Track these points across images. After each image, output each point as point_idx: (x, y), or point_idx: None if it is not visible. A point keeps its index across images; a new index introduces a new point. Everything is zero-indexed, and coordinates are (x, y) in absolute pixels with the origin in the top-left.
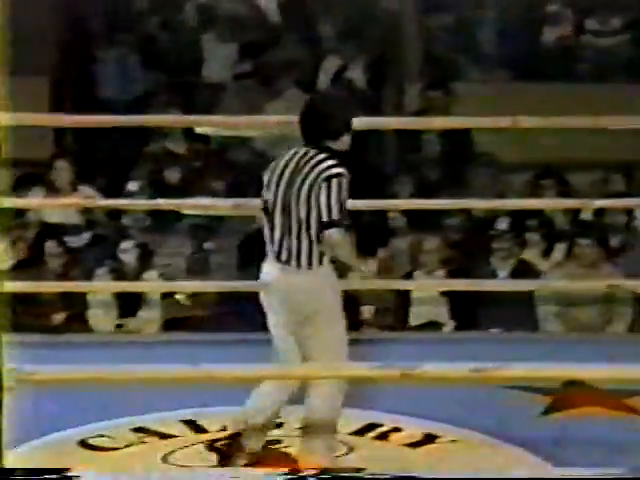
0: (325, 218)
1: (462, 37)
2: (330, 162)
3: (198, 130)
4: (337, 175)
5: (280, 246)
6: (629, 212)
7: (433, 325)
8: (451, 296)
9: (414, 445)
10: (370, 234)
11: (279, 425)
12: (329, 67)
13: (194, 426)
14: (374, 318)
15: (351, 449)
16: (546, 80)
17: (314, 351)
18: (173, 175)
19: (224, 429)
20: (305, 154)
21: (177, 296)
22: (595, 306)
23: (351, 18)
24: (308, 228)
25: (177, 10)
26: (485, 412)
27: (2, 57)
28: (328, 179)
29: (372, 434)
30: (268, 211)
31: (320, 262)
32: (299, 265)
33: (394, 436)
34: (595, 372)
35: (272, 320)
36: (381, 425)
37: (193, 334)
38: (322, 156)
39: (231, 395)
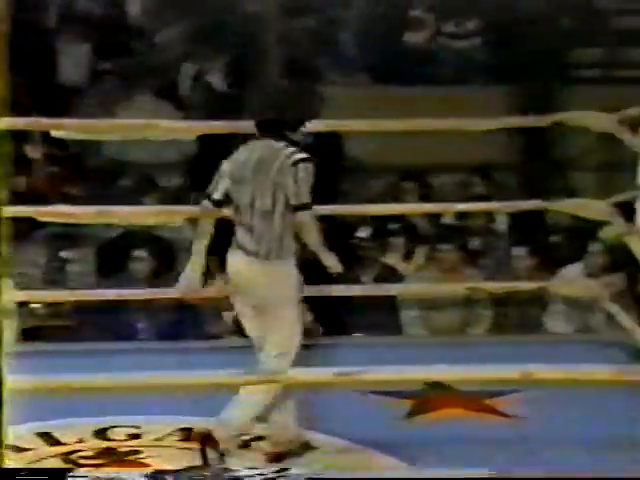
0: (295, 201)
1: (324, 40)
2: (293, 149)
3: (53, 134)
4: (304, 160)
5: (247, 236)
6: (489, 214)
7: None
8: (314, 302)
9: (278, 456)
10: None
11: None
12: (188, 71)
13: (49, 438)
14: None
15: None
16: (406, 83)
17: (269, 341)
18: (21, 181)
19: (80, 441)
20: (266, 145)
21: (33, 305)
22: (456, 309)
23: (209, 21)
24: (273, 219)
25: (33, 10)
26: (348, 417)
27: None
28: (295, 164)
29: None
30: (230, 203)
31: (285, 255)
32: (266, 257)
33: (256, 444)
34: (456, 374)
35: (241, 310)
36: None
37: (50, 344)
38: (284, 144)
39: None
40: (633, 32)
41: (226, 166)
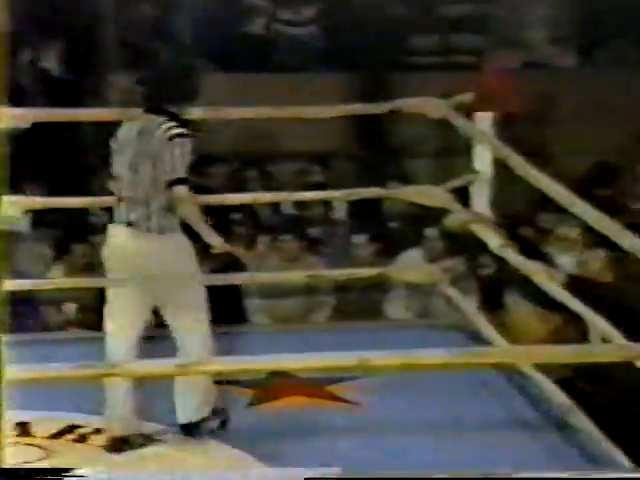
0: (171, 176)
1: (162, 27)
2: (174, 123)
3: None
4: (181, 135)
5: (131, 210)
6: (328, 203)
7: None
8: None
9: (116, 447)
10: (67, 231)
11: None
12: (23, 57)
13: None
14: (77, 316)
15: (49, 453)
16: (245, 70)
17: (178, 317)
18: None
19: None
20: (148, 118)
21: None
22: (298, 297)
23: (44, 7)
24: (157, 191)
25: None
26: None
27: None
28: (172, 138)
29: (71, 436)
30: (116, 176)
31: (172, 227)
32: (151, 229)
33: (94, 438)
34: (298, 361)
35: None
36: (81, 427)
37: None
38: (165, 118)
39: None
40: (465, 19)
41: (112, 141)
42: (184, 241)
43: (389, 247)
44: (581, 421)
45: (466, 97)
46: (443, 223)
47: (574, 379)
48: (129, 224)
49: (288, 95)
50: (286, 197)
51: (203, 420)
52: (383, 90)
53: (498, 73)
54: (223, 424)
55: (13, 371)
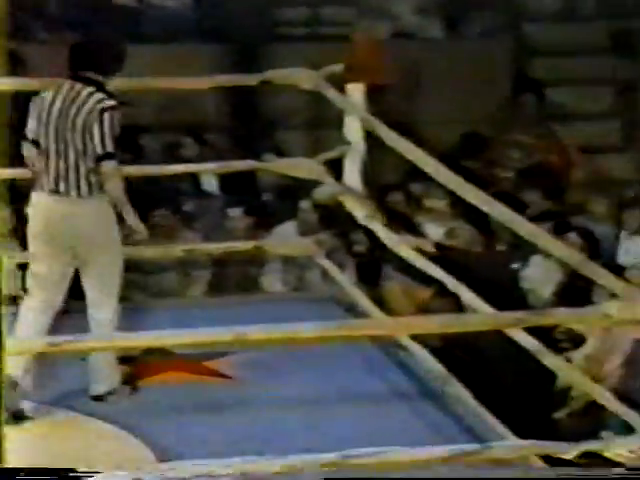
0: (100, 151)
1: None
2: (103, 94)
3: None
4: (111, 108)
5: (57, 177)
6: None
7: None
8: None
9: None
10: None
11: None
12: None
13: None
14: None
15: None
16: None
17: (92, 282)
18: None
19: None
20: (75, 86)
21: None
22: (173, 272)
23: None
24: (86, 158)
25: None
26: (69, 386)
27: None
28: (102, 111)
29: None
30: (39, 143)
31: (97, 191)
32: (79, 194)
33: None
34: (174, 338)
35: (39, 250)
36: None
37: None
38: (93, 88)
39: None
40: None
41: (32, 106)
42: (108, 207)
43: (264, 220)
44: (459, 392)
45: (336, 68)
46: (313, 196)
47: (450, 349)
48: (55, 192)
49: (159, 66)
50: (158, 170)
51: (112, 392)
52: (255, 62)
53: (367, 44)
54: (133, 392)
55: None
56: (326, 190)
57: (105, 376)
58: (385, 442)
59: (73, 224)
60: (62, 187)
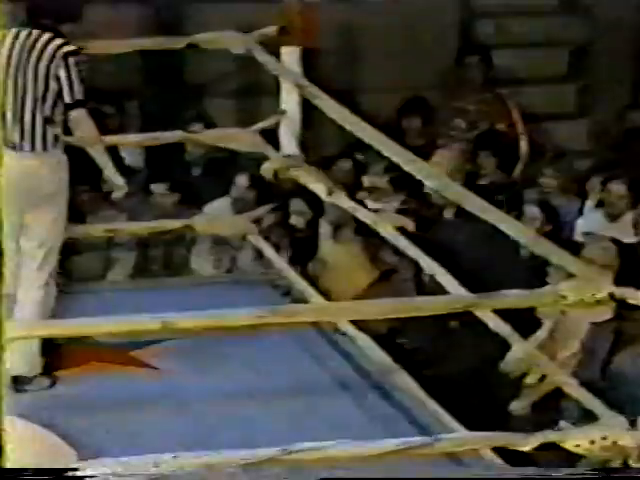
0: (69, 99)
1: None
2: (63, 40)
3: None
4: (75, 52)
5: (12, 128)
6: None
7: None
8: None
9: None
10: None
11: None
12: None
13: None
14: None
15: None
16: None
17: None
18: None
19: None
20: (32, 33)
21: None
22: (95, 253)
23: None
24: (44, 108)
25: None
26: None
27: None
28: (66, 56)
29: None
30: None
31: (55, 145)
32: (33, 148)
33: None
34: (96, 325)
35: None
36: None
37: None
38: (52, 35)
39: None
40: None
41: None
42: (64, 159)
43: (192, 197)
44: (405, 382)
45: (269, 30)
46: (260, 171)
47: (394, 335)
48: (12, 147)
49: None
50: (75, 142)
51: (33, 377)
52: (180, 24)
53: (301, 5)
54: (53, 384)
55: None
56: (275, 164)
57: (28, 359)
58: (326, 437)
59: (25, 179)
60: (17, 139)
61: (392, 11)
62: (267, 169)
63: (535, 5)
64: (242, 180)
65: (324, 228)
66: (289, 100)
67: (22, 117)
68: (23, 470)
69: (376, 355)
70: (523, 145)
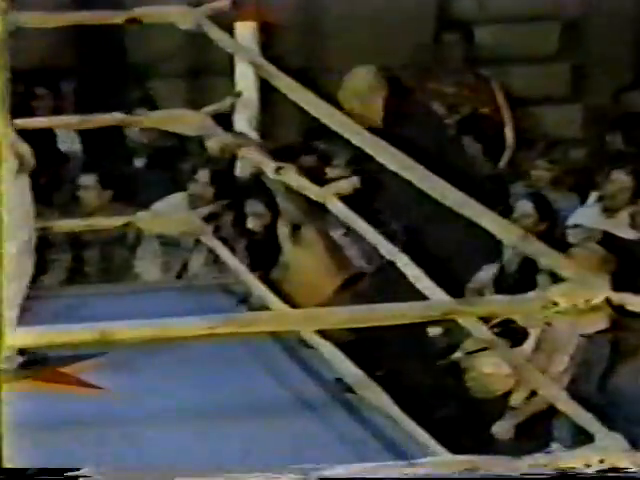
0: None
1: None
2: None
3: None
4: None
5: None
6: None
7: None
8: None
9: None
10: None
11: None
12: None
13: None
14: None
15: None
16: None
17: None
18: None
19: None
20: None
21: None
22: None
23: None
24: None
25: None
26: None
27: None
28: None
29: None
30: None
31: None
32: None
33: None
34: (24, 335)
35: None
36: None
37: None
38: None
39: None
40: None
41: None
42: None
43: (131, 193)
44: (376, 397)
45: (222, 4)
46: (205, 146)
47: (357, 343)
48: None
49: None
50: None
51: None
52: None
53: None
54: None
55: None
56: (220, 140)
57: None
58: (287, 460)
59: None
60: None
61: None
62: (213, 145)
63: None
64: (203, 175)
65: (282, 229)
66: (245, 81)
67: None
68: (22, 470)
69: (344, 368)
70: (509, 132)
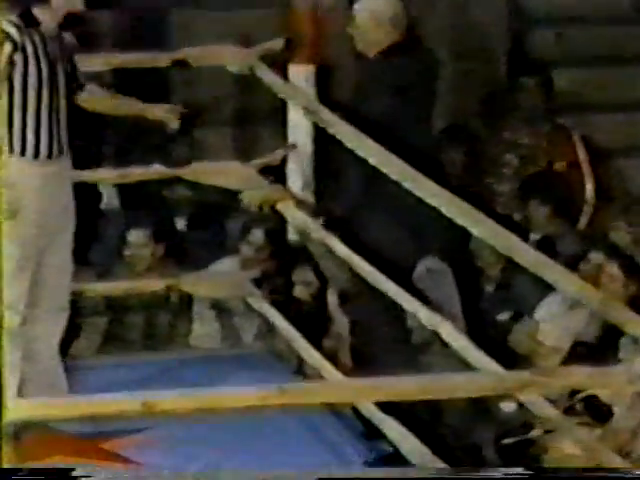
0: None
1: None
2: None
3: None
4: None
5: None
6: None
7: None
8: None
9: None
10: None
11: None
12: None
13: None
14: None
15: None
16: None
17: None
18: None
19: None
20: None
21: None
22: None
23: None
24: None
25: None
26: None
27: None
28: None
29: None
30: None
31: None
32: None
33: None
34: (60, 406)
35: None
36: None
37: None
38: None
39: None
40: None
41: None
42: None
43: (180, 250)
44: (432, 463)
45: (275, 44)
46: (241, 197)
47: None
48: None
49: None
50: None
51: None
52: (164, 35)
53: (315, 10)
54: None
55: None
56: (259, 193)
57: None
58: None
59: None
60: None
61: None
62: (250, 196)
63: (603, 10)
64: (257, 235)
65: (331, 298)
66: (298, 129)
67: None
68: (20, 470)
69: (407, 442)
70: (589, 189)
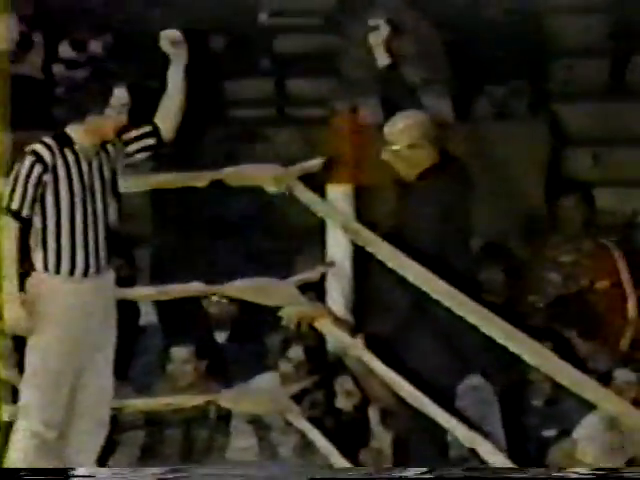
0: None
1: None
2: None
3: None
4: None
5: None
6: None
7: None
8: None
9: None
10: None
11: None
12: None
13: None
14: None
15: None
16: None
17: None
18: None
19: None
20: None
21: None
22: None
23: None
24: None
25: None
26: None
27: None
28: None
29: None
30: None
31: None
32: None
33: None
34: None
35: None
36: None
37: None
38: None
39: None
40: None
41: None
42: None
43: (219, 365)
44: None
45: (314, 164)
46: (280, 314)
47: None
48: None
49: None
50: None
51: None
52: (201, 155)
53: (354, 130)
54: None
55: None
56: (297, 309)
57: None
58: None
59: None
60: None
61: (466, 132)
62: (288, 313)
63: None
64: (297, 352)
65: (373, 412)
66: (337, 248)
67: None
68: (21, 470)
69: None
70: (631, 309)
